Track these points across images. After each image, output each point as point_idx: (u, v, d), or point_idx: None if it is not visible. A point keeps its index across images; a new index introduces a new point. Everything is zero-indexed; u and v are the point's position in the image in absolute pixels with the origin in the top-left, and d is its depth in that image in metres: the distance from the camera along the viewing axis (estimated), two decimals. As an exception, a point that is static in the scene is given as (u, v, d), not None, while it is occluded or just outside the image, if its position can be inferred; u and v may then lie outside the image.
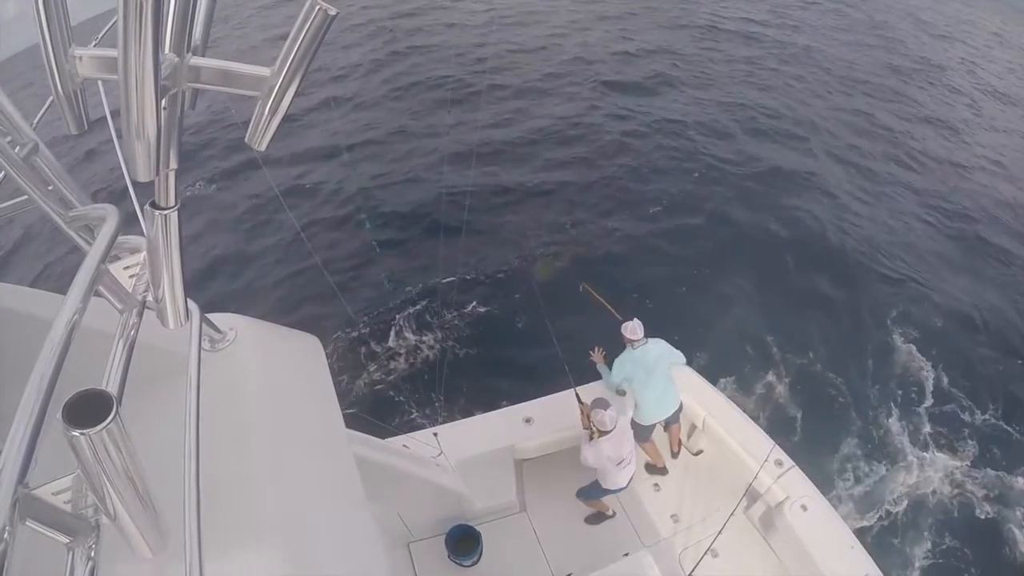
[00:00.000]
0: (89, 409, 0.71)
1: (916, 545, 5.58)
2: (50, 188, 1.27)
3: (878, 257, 9.02)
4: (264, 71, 0.76)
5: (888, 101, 14.68)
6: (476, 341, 7.42)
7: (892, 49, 18.88)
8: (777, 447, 4.32)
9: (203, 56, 0.81)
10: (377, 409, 6.36)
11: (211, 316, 1.76)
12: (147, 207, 0.93)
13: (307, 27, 0.69)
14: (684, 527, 4.41)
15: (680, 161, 11.07)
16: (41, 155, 1.25)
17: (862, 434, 6.50)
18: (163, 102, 0.73)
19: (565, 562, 4.16)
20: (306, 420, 1.87)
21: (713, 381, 6.75)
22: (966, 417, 6.78)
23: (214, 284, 8.64)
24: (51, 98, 0.87)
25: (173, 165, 0.84)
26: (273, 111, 0.78)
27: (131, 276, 1.22)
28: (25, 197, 1.23)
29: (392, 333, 7.55)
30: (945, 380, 7.13)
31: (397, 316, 7.74)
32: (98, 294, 1.10)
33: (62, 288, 0.99)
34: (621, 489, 4.16)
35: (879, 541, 5.55)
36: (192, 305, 1.31)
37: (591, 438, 3.93)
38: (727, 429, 4.50)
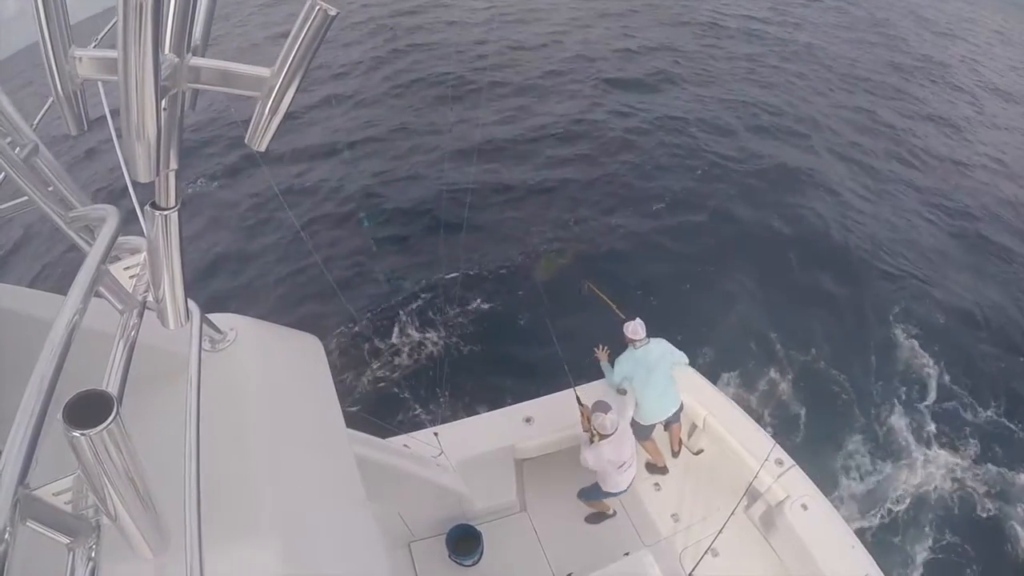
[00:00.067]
0: (89, 409, 0.71)
1: (918, 542, 5.58)
2: (50, 189, 1.27)
3: (880, 254, 9.02)
4: (264, 71, 0.76)
5: (890, 99, 14.66)
6: (477, 339, 7.42)
7: (894, 47, 18.85)
8: (777, 446, 4.32)
9: (203, 56, 0.81)
10: (378, 407, 6.36)
11: (211, 316, 1.76)
12: (147, 207, 0.93)
13: (307, 27, 0.69)
14: (684, 526, 4.41)
15: (682, 158, 11.06)
16: (41, 156, 1.25)
17: (865, 431, 6.50)
18: (163, 103, 0.72)
19: (565, 562, 4.16)
20: (306, 420, 1.87)
21: (716, 377, 6.79)
22: (968, 414, 6.78)
23: (215, 282, 8.65)
24: (51, 99, 0.87)
25: (173, 165, 0.84)
26: (273, 111, 0.77)
27: (131, 276, 1.22)
28: (25, 198, 1.23)
29: (393, 331, 7.55)
30: (947, 377, 7.13)
31: (398, 314, 7.74)
32: (98, 294, 1.10)
33: (62, 288, 0.99)
34: (622, 492, 4.16)
35: (881, 538, 5.56)
36: (192, 305, 1.31)
37: (591, 441, 3.93)
38: (728, 428, 4.50)
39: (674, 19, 19.69)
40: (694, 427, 4.82)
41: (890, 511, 5.81)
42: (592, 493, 4.25)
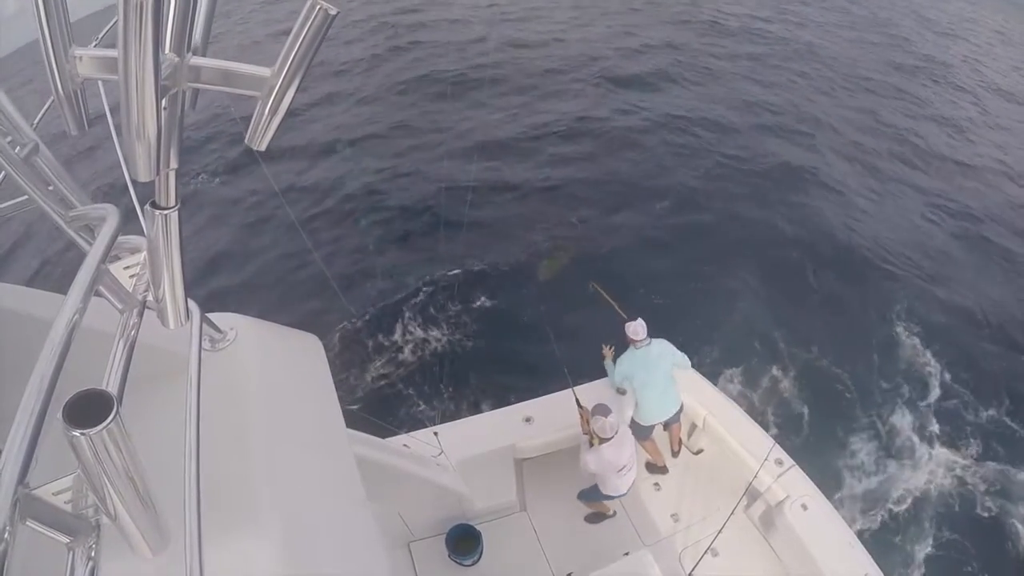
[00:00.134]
0: (89, 409, 0.71)
1: (919, 541, 5.59)
2: (50, 188, 1.27)
3: (883, 253, 9.03)
4: (264, 71, 0.76)
5: (892, 98, 14.69)
6: (478, 338, 7.42)
7: (896, 46, 18.88)
8: (777, 446, 4.32)
9: (203, 56, 0.81)
10: (378, 406, 6.36)
11: (211, 316, 1.76)
12: (147, 207, 0.93)
13: (307, 27, 0.69)
14: (684, 526, 4.41)
15: (686, 157, 11.06)
16: (41, 155, 1.25)
17: (867, 429, 6.52)
18: (163, 102, 0.72)
19: (565, 561, 4.16)
20: (306, 419, 1.87)
21: (720, 374, 6.80)
22: (970, 413, 6.79)
23: (215, 280, 8.65)
24: (51, 98, 0.87)
25: (173, 165, 0.84)
26: (273, 111, 0.77)
27: (131, 276, 1.22)
28: (25, 197, 1.23)
29: (393, 330, 7.55)
30: (949, 376, 7.15)
31: (398, 313, 7.74)
32: (98, 294, 1.10)
33: (62, 288, 0.99)
34: (622, 495, 4.15)
35: (883, 537, 5.57)
36: (192, 305, 1.31)
37: (591, 444, 3.91)
38: (727, 428, 4.50)
39: (675, 18, 19.71)
40: (694, 427, 4.82)
41: (892, 510, 5.82)
42: (592, 495, 4.25)
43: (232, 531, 1.28)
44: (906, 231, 9.70)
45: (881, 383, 7.01)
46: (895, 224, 9.84)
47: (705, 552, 3.70)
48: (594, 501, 4.34)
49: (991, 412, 6.81)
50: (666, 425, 4.61)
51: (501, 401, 6.13)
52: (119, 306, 1.17)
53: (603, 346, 4.61)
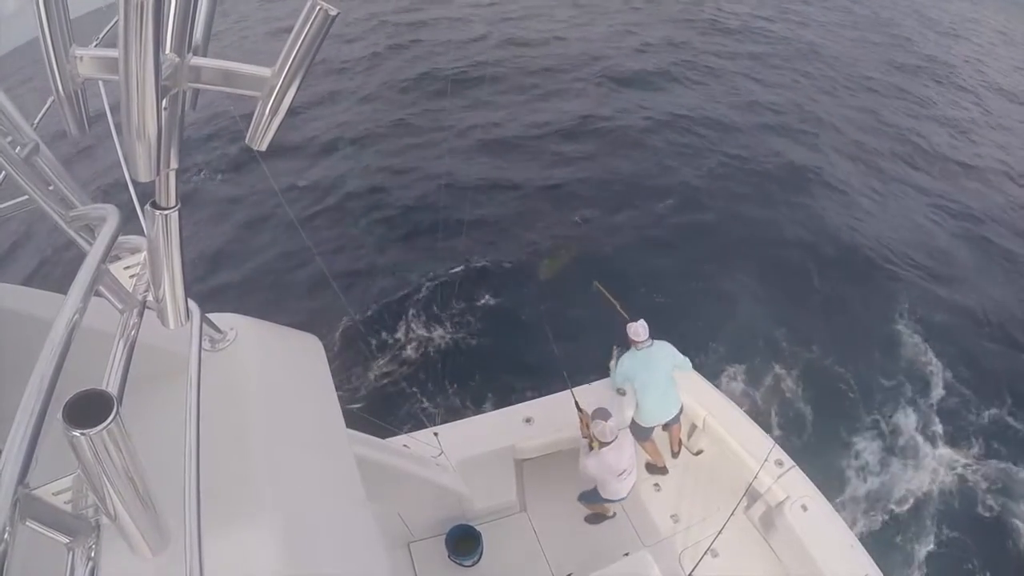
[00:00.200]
0: (89, 409, 0.71)
1: (922, 539, 5.60)
2: (51, 188, 1.27)
3: (885, 253, 9.04)
4: (265, 71, 0.76)
5: (894, 98, 14.70)
6: (479, 338, 7.42)
7: (898, 46, 18.90)
8: (777, 447, 4.32)
9: (204, 56, 0.81)
10: (379, 404, 6.38)
11: (211, 316, 1.76)
12: (147, 207, 0.93)
13: (308, 27, 0.69)
14: (684, 527, 4.41)
15: (689, 156, 11.06)
16: (41, 155, 1.25)
17: (869, 428, 6.53)
18: (164, 102, 0.73)
19: (565, 562, 4.16)
20: (306, 420, 1.86)
21: (723, 372, 6.83)
22: (972, 412, 6.80)
23: (216, 278, 8.65)
24: (52, 98, 0.87)
25: (174, 165, 0.84)
26: (274, 111, 0.77)
27: (131, 276, 1.22)
28: (25, 197, 1.23)
29: (393, 328, 7.54)
30: (952, 375, 7.16)
31: (397, 312, 7.73)
32: (98, 294, 1.10)
33: (62, 288, 0.99)
34: (622, 499, 4.15)
35: (885, 535, 5.57)
36: (192, 305, 1.31)
37: (591, 447, 3.90)
38: (727, 429, 4.50)
39: (676, 17, 19.72)
40: (694, 428, 4.82)
41: (894, 508, 5.82)
42: (592, 497, 4.25)
43: (232, 531, 1.28)
44: (908, 231, 9.70)
45: (883, 382, 7.02)
46: (897, 224, 9.85)
47: (705, 553, 3.70)
48: (594, 503, 4.34)
49: (993, 411, 6.81)
50: (666, 426, 4.61)
51: (503, 400, 6.13)
52: (119, 306, 1.17)
53: (614, 348, 4.61)
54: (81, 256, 1.04)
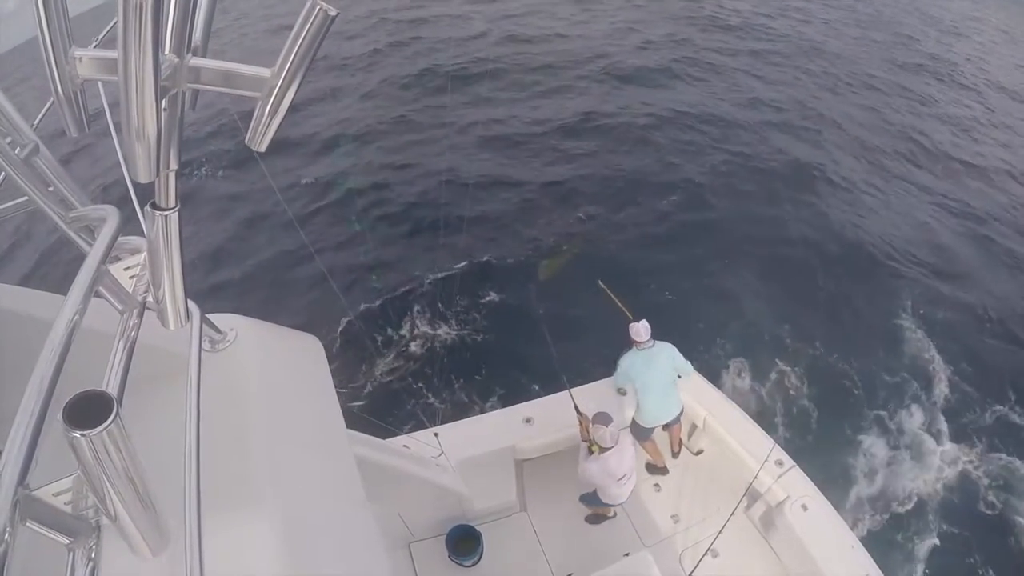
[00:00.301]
0: (89, 410, 0.71)
1: (924, 535, 5.61)
2: (50, 189, 1.27)
3: (888, 250, 9.05)
4: (264, 72, 0.75)
5: (897, 96, 14.68)
6: (479, 337, 7.41)
7: (900, 44, 18.88)
8: (777, 447, 4.32)
9: (203, 57, 0.81)
10: (377, 405, 6.37)
11: (211, 316, 1.76)
12: (147, 208, 0.93)
13: (307, 28, 0.69)
14: (684, 527, 4.41)
15: (692, 154, 11.05)
16: (41, 156, 1.25)
17: (873, 424, 6.54)
18: (163, 103, 0.72)
19: (565, 562, 4.16)
20: (306, 420, 1.86)
21: (727, 369, 6.83)
22: (975, 408, 6.81)
23: (216, 275, 8.66)
24: (51, 99, 0.87)
25: (173, 166, 0.84)
26: (273, 112, 0.77)
27: (131, 277, 1.22)
28: (25, 198, 1.23)
29: (396, 326, 7.54)
30: (956, 372, 7.17)
31: (398, 312, 7.73)
32: (98, 295, 1.10)
33: (62, 288, 0.99)
34: (621, 503, 4.14)
35: (887, 531, 5.58)
36: (192, 306, 1.31)
37: (590, 451, 3.89)
38: (727, 429, 4.50)
39: (678, 14, 19.70)
40: (694, 427, 4.82)
41: (897, 504, 5.83)
42: (592, 500, 4.25)
43: (232, 532, 1.28)
44: (911, 228, 9.71)
45: (887, 378, 7.04)
46: (900, 221, 9.85)
47: (705, 553, 3.70)
48: (595, 505, 4.34)
49: (996, 407, 6.83)
50: (666, 426, 4.61)
51: (509, 395, 6.15)
52: (119, 307, 1.17)
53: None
54: (81, 257, 1.04)
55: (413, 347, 7.31)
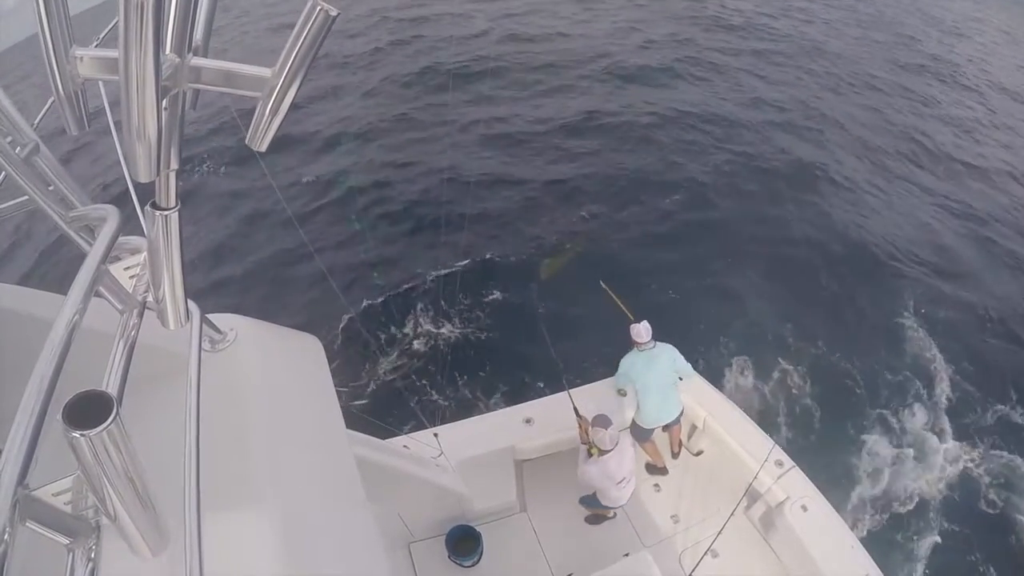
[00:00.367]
0: (89, 410, 0.71)
1: (925, 533, 5.61)
2: (50, 188, 1.27)
3: (891, 250, 9.04)
4: (265, 72, 0.75)
5: (898, 97, 14.66)
6: (479, 337, 7.41)
7: (902, 45, 18.85)
8: (777, 447, 4.32)
9: (204, 56, 0.80)
10: (384, 400, 6.39)
11: (211, 316, 1.75)
12: (148, 207, 0.92)
13: (308, 28, 0.69)
14: (684, 527, 4.41)
15: (695, 153, 11.05)
16: (42, 155, 1.25)
17: (875, 423, 6.54)
18: (164, 103, 0.72)
19: (565, 562, 4.16)
20: (306, 420, 1.86)
21: (730, 367, 6.83)
22: (977, 408, 6.82)
23: (217, 273, 8.66)
24: (52, 98, 0.87)
25: (174, 165, 0.84)
26: (274, 112, 0.77)
27: (131, 277, 1.22)
28: (25, 197, 1.23)
29: (399, 323, 7.54)
30: (957, 371, 7.18)
31: (403, 306, 7.73)
32: (98, 295, 1.10)
33: (62, 288, 0.99)
34: (621, 506, 4.14)
35: (889, 529, 5.59)
36: (192, 305, 1.31)
37: (590, 454, 3.88)
38: (727, 429, 4.50)
39: (680, 14, 19.69)
40: (694, 428, 4.82)
41: (899, 503, 5.84)
42: (592, 502, 4.25)
43: (232, 532, 1.28)
44: (913, 228, 9.71)
45: (889, 377, 7.04)
46: (902, 221, 9.85)
47: (705, 553, 3.70)
48: (595, 507, 4.34)
49: (997, 407, 6.84)
50: (666, 427, 4.61)
51: (513, 393, 6.15)
52: (119, 307, 1.17)
53: None
54: (81, 256, 1.04)
55: (416, 345, 7.31)
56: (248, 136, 0.80)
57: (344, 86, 14.55)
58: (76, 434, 0.69)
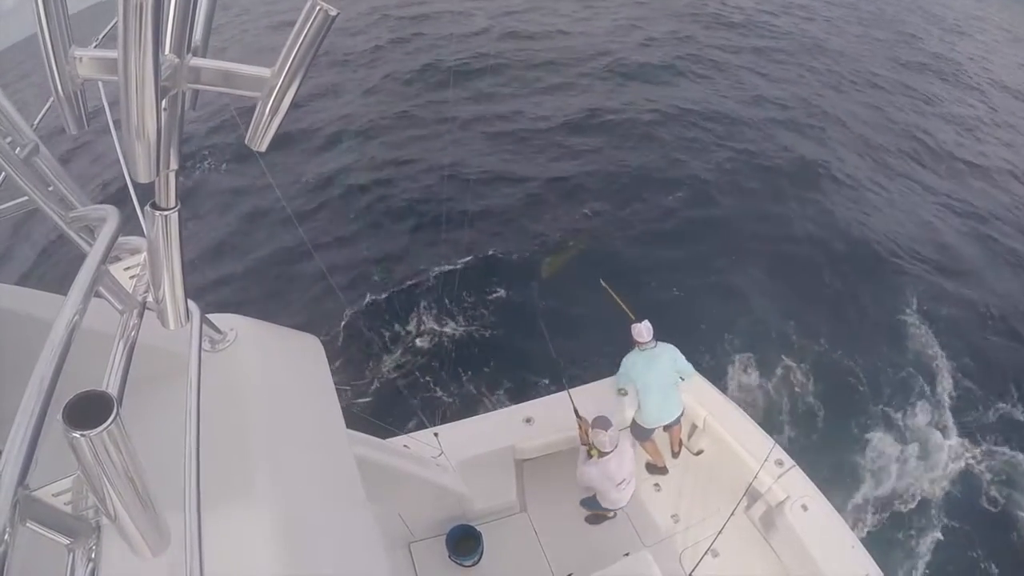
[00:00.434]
0: (89, 410, 0.71)
1: (926, 530, 5.62)
2: (50, 189, 1.27)
3: (893, 248, 9.05)
4: (264, 72, 0.75)
5: (900, 95, 14.63)
6: (479, 336, 7.41)
7: (903, 43, 18.81)
8: (778, 447, 4.32)
9: (203, 57, 0.80)
10: (387, 398, 6.39)
11: (211, 316, 1.76)
12: (147, 208, 0.92)
13: (307, 28, 0.69)
14: (684, 527, 4.41)
15: (697, 151, 11.04)
16: (41, 156, 1.25)
17: (877, 420, 6.55)
18: (163, 103, 0.72)
19: (566, 562, 4.16)
20: (306, 420, 1.87)
21: (733, 365, 6.84)
22: (979, 405, 6.83)
23: (217, 271, 8.67)
24: (51, 99, 0.87)
25: (173, 166, 0.84)
26: (274, 112, 0.77)
27: (131, 277, 1.22)
28: (25, 198, 1.23)
29: (403, 320, 7.55)
30: (959, 369, 7.18)
31: (406, 303, 7.74)
32: (98, 295, 1.10)
33: (62, 288, 0.99)
34: (621, 508, 4.14)
35: (890, 527, 5.60)
36: (192, 306, 1.31)
37: (589, 455, 3.88)
38: (727, 429, 4.50)
39: (681, 11, 19.64)
40: (694, 428, 4.82)
41: (899, 502, 5.85)
42: (592, 504, 4.26)
43: (232, 532, 1.28)
44: (915, 226, 9.70)
45: (891, 375, 7.05)
46: (904, 219, 9.84)
47: (705, 553, 3.70)
48: (596, 509, 4.34)
49: (999, 404, 6.84)
50: (666, 426, 4.61)
51: (511, 394, 6.14)
52: (119, 307, 1.17)
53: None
54: (81, 257, 1.04)
55: (420, 342, 7.31)
56: (248, 136, 0.80)
57: (344, 84, 14.55)
58: (76, 434, 0.69)
